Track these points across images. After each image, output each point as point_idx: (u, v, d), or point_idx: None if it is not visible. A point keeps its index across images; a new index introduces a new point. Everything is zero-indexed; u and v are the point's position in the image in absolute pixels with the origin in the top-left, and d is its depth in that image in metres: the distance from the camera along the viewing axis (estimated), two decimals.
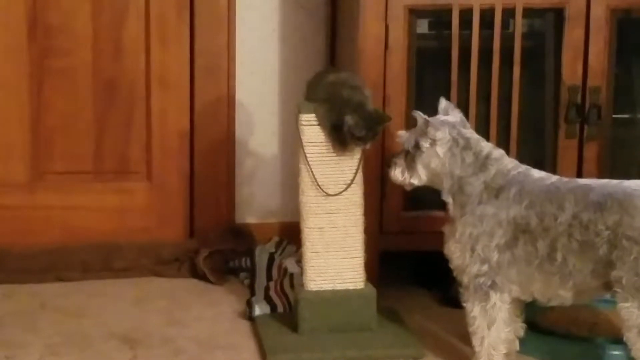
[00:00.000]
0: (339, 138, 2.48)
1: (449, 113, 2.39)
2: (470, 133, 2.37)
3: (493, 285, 2.30)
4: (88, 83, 3.16)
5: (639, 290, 2.13)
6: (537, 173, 2.33)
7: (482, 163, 2.33)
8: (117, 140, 3.19)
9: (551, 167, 2.78)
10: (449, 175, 2.35)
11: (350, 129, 2.43)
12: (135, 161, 3.20)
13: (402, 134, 2.41)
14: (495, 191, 2.30)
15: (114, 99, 3.18)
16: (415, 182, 2.39)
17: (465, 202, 2.33)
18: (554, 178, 2.30)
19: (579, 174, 2.76)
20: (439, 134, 2.33)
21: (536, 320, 2.51)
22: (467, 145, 2.34)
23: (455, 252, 2.35)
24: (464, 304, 2.34)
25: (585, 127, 2.76)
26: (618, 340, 2.24)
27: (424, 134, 2.34)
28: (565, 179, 2.30)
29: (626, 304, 2.15)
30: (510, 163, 2.34)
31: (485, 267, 2.30)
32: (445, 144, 2.33)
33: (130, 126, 3.19)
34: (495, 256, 2.29)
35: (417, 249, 2.78)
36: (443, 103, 2.40)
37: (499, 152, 2.36)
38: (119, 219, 3.19)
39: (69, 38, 3.14)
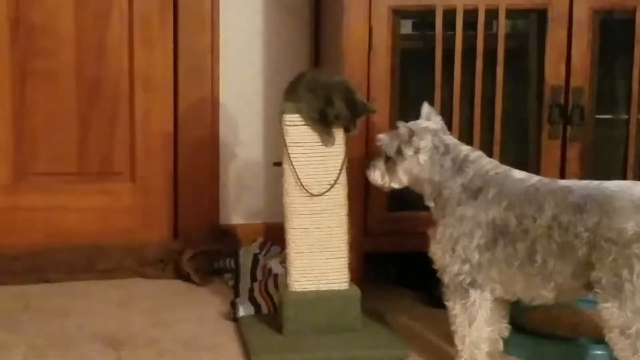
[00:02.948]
0: (325, 123, 2.47)
1: (430, 119, 2.41)
2: (449, 139, 2.39)
3: (473, 283, 2.31)
4: (71, 84, 3.16)
5: (619, 290, 2.14)
6: (517, 174, 2.33)
7: (459, 166, 2.34)
8: (101, 141, 3.18)
9: (534, 167, 2.79)
10: (429, 181, 2.37)
11: (337, 110, 2.43)
12: (119, 162, 3.20)
13: (383, 137, 2.42)
14: (473, 192, 2.31)
15: (98, 99, 3.18)
16: (396, 186, 2.42)
17: (445, 204, 2.35)
18: (535, 179, 2.30)
19: (562, 174, 2.77)
20: (422, 143, 2.35)
21: (520, 321, 2.52)
22: (446, 151, 2.36)
23: (437, 252, 2.36)
24: (446, 303, 2.36)
25: (568, 127, 2.77)
26: (601, 340, 2.24)
27: (408, 142, 2.35)
28: (546, 180, 2.30)
29: (607, 305, 2.15)
30: (488, 164, 2.35)
31: (466, 267, 2.31)
32: (427, 152, 2.36)
33: (114, 127, 3.19)
34: (475, 256, 2.30)
35: (402, 249, 2.79)
36: (426, 109, 2.42)
37: (476, 154, 2.37)
38: (102, 220, 3.18)
39: (51, 39, 3.14)
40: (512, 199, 2.27)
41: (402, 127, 2.37)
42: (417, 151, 2.35)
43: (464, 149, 2.38)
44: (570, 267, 2.21)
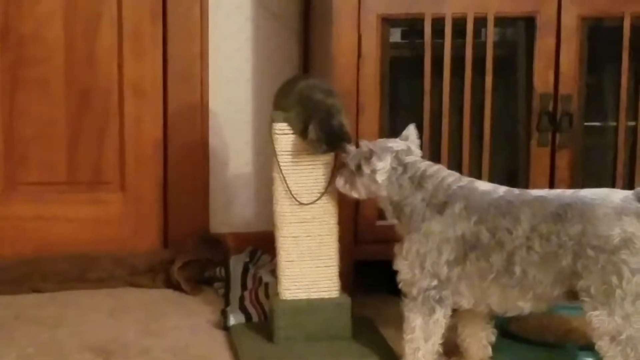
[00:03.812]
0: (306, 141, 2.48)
1: (407, 139, 2.41)
2: (410, 158, 2.38)
3: (440, 300, 2.32)
4: (61, 92, 3.16)
5: (608, 297, 2.14)
6: (482, 186, 2.32)
7: (418, 183, 2.34)
8: (91, 150, 3.18)
9: (524, 175, 2.80)
10: (388, 200, 2.39)
11: (311, 142, 2.43)
12: (109, 171, 3.20)
13: (350, 150, 2.44)
14: (438, 207, 2.31)
15: (88, 108, 3.18)
16: (356, 196, 2.44)
17: (409, 221, 2.35)
18: (502, 190, 2.29)
19: (552, 182, 2.78)
20: (379, 165, 2.36)
21: (508, 327, 2.53)
22: (404, 171, 2.36)
23: (403, 268, 2.36)
24: (406, 313, 2.35)
25: (557, 135, 2.78)
26: (590, 346, 2.25)
27: (367, 161, 2.37)
28: (516, 191, 2.28)
29: (596, 312, 2.16)
30: (449, 177, 2.33)
31: (435, 282, 2.31)
32: (384, 173, 2.36)
33: (104, 136, 3.19)
34: (444, 271, 2.30)
35: (392, 257, 2.79)
36: (410, 130, 2.42)
37: (434, 169, 2.36)
38: (93, 230, 3.18)
39: (41, 47, 3.14)
40: (482, 213, 2.26)
41: (364, 146, 2.39)
42: (374, 172, 2.36)
43: (422, 165, 2.37)
44: (551, 277, 2.21)
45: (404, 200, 2.35)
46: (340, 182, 2.46)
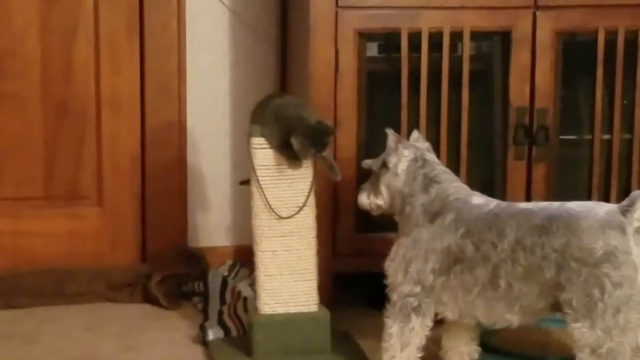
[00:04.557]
0: (289, 155, 2.49)
1: (418, 142, 2.45)
2: (430, 156, 2.42)
3: (417, 309, 2.33)
4: (37, 106, 3.15)
5: (590, 310, 2.15)
6: (476, 199, 2.34)
7: (427, 184, 2.37)
8: (68, 164, 3.17)
9: (500, 188, 2.81)
10: (400, 192, 2.40)
11: (298, 152, 2.44)
12: (86, 185, 3.19)
13: (367, 161, 2.47)
14: (431, 216, 2.33)
15: (64, 122, 3.17)
16: (380, 202, 2.44)
17: (405, 222, 2.38)
18: (493, 204, 2.31)
19: (528, 195, 2.79)
20: (405, 152, 2.39)
21: (488, 340, 2.54)
22: (422, 165, 2.39)
23: (389, 270, 2.38)
24: (385, 320, 2.36)
25: (534, 148, 2.80)
26: (569, 359, 2.26)
27: (394, 150, 2.39)
28: (504, 205, 2.31)
29: (577, 325, 2.17)
30: (452, 188, 2.36)
31: (417, 289, 2.32)
32: (407, 161, 2.39)
33: (81, 149, 3.18)
34: (430, 279, 2.31)
35: (371, 270, 2.79)
36: (415, 134, 2.47)
37: (446, 176, 2.38)
38: (70, 244, 3.17)
39: (17, 61, 3.13)
40: (469, 226, 2.28)
41: (391, 134, 2.41)
42: (399, 160, 2.38)
43: (439, 168, 2.40)
44: (536, 289, 2.22)
45: (409, 197, 2.37)
46: (362, 197, 2.47)
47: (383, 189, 2.43)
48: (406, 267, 2.33)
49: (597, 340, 2.15)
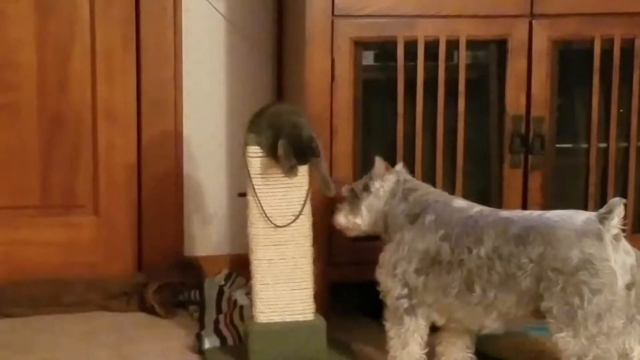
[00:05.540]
0: (277, 159, 2.49)
1: (401, 171, 2.51)
2: (410, 177, 2.49)
3: (409, 310, 2.37)
4: (34, 117, 3.15)
5: (571, 318, 2.16)
6: (458, 203, 2.38)
7: (406, 194, 2.42)
8: (64, 175, 3.17)
9: (497, 196, 2.81)
10: (381, 212, 2.45)
11: (280, 158, 2.44)
12: (82, 195, 3.19)
13: (347, 186, 2.53)
14: (411, 218, 2.38)
15: (60, 133, 3.17)
16: (358, 221, 2.48)
17: (389, 230, 2.43)
18: (475, 210, 2.34)
19: (524, 204, 2.79)
20: (390, 177, 2.45)
21: (482, 348, 2.54)
22: (404, 183, 2.45)
23: (380, 277, 2.42)
24: (384, 323, 2.41)
25: (530, 156, 2.80)
26: None
27: (379, 176, 2.44)
28: (487, 212, 2.33)
29: (561, 334, 2.17)
30: (431, 193, 2.43)
31: (405, 291, 2.36)
32: (391, 183, 2.44)
33: (77, 160, 3.18)
34: (413, 280, 2.35)
35: (367, 279, 2.79)
36: (400, 166, 2.52)
37: (422, 186, 2.46)
38: (66, 254, 3.16)
39: (13, 72, 3.13)
40: (448, 230, 2.31)
41: (378, 162, 2.46)
42: (381, 186, 2.43)
43: (417, 182, 2.48)
44: (514, 297, 2.24)
45: (390, 211, 2.42)
46: (339, 218, 2.51)
47: (364, 210, 2.47)
48: (393, 270, 2.38)
49: (583, 348, 2.15)
